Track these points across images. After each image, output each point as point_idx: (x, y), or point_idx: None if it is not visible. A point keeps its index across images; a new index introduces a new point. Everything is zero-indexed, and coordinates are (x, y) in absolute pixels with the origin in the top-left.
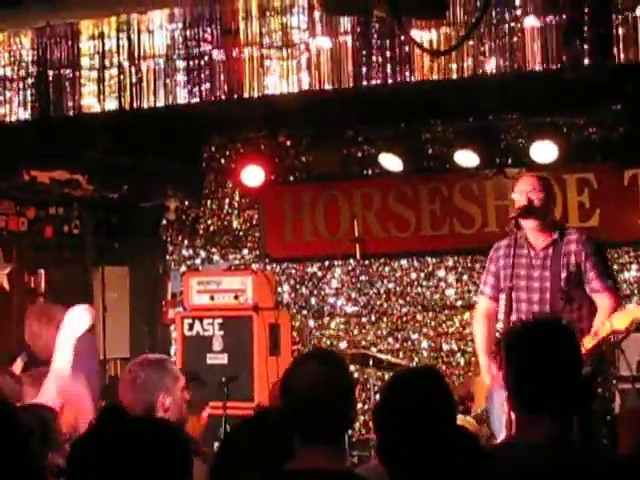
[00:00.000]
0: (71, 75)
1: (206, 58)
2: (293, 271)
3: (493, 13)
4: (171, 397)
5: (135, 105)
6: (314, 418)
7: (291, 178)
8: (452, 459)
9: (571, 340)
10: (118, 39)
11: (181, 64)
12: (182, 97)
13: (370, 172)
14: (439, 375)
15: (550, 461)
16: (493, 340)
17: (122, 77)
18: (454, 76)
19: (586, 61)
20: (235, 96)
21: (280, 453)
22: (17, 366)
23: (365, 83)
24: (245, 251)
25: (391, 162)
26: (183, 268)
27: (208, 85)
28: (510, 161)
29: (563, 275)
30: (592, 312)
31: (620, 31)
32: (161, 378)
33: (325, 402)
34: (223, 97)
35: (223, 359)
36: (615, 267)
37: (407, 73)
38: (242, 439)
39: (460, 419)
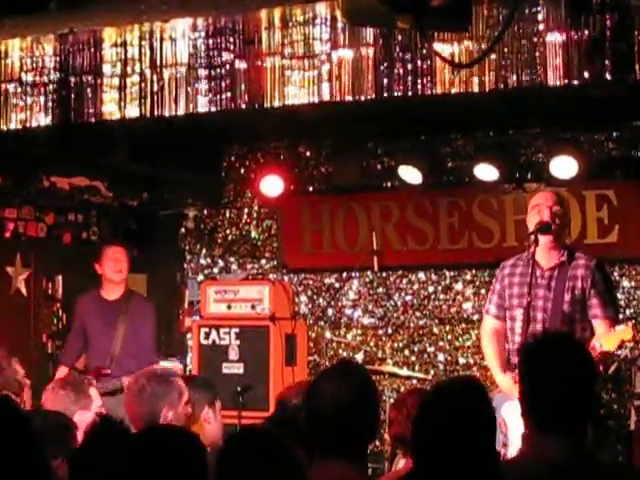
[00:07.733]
0: (93, 82)
1: (227, 67)
2: (310, 282)
3: (516, 27)
4: (174, 411)
5: (156, 113)
6: (338, 430)
7: (310, 189)
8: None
9: (584, 355)
10: (140, 47)
11: (203, 73)
12: (203, 106)
13: (389, 184)
14: (481, 387)
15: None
16: (505, 356)
17: (143, 85)
18: (475, 90)
19: (608, 77)
20: (256, 106)
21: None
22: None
23: (386, 95)
24: (263, 261)
25: (410, 175)
26: (201, 277)
27: (229, 94)
28: (530, 176)
29: (566, 298)
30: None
31: None
32: (167, 393)
33: (350, 415)
34: (244, 106)
35: (239, 368)
36: (632, 284)
37: (428, 86)
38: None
39: None
